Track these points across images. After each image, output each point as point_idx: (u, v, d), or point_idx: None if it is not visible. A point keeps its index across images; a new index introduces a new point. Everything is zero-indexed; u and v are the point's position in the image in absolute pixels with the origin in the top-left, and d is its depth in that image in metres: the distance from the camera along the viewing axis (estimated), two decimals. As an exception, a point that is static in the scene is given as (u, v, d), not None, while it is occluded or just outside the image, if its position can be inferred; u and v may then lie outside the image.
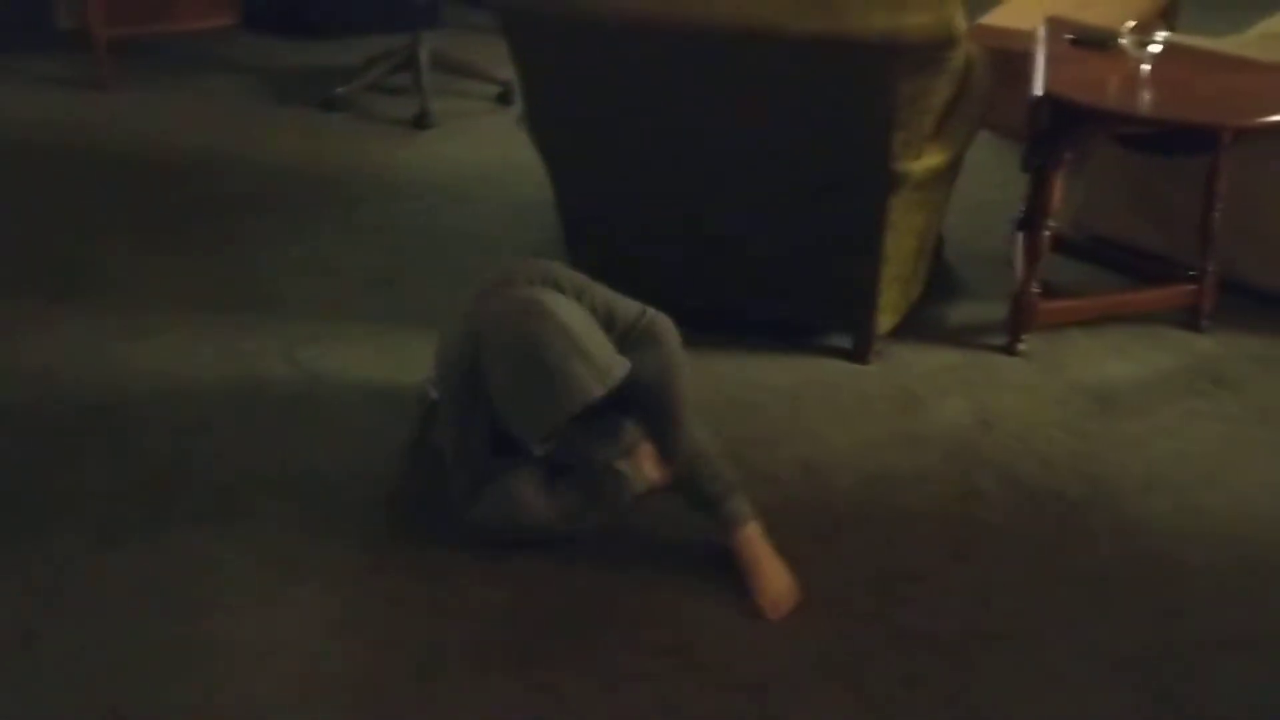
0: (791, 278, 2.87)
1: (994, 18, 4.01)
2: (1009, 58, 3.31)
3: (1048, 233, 2.93)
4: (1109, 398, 2.81)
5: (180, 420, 2.66)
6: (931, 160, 2.66)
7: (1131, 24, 3.05)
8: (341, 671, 2.03)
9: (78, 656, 2.04)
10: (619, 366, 2.12)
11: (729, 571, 2.24)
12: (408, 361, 2.85)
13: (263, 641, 2.08)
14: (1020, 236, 3.12)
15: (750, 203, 2.76)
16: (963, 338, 3.04)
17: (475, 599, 2.19)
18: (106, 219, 3.56)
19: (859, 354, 2.92)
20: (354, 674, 2.03)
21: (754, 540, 2.24)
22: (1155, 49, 2.90)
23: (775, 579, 2.21)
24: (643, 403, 2.26)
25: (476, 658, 2.06)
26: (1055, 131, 2.87)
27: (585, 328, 2.13)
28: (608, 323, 2.24)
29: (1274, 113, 2.72)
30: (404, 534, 2.34)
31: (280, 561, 2.26)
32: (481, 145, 4.13)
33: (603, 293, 2.29)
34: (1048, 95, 2.81)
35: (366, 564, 2.26)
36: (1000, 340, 3.00)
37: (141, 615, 2.13)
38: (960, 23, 2.42)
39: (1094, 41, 3.07)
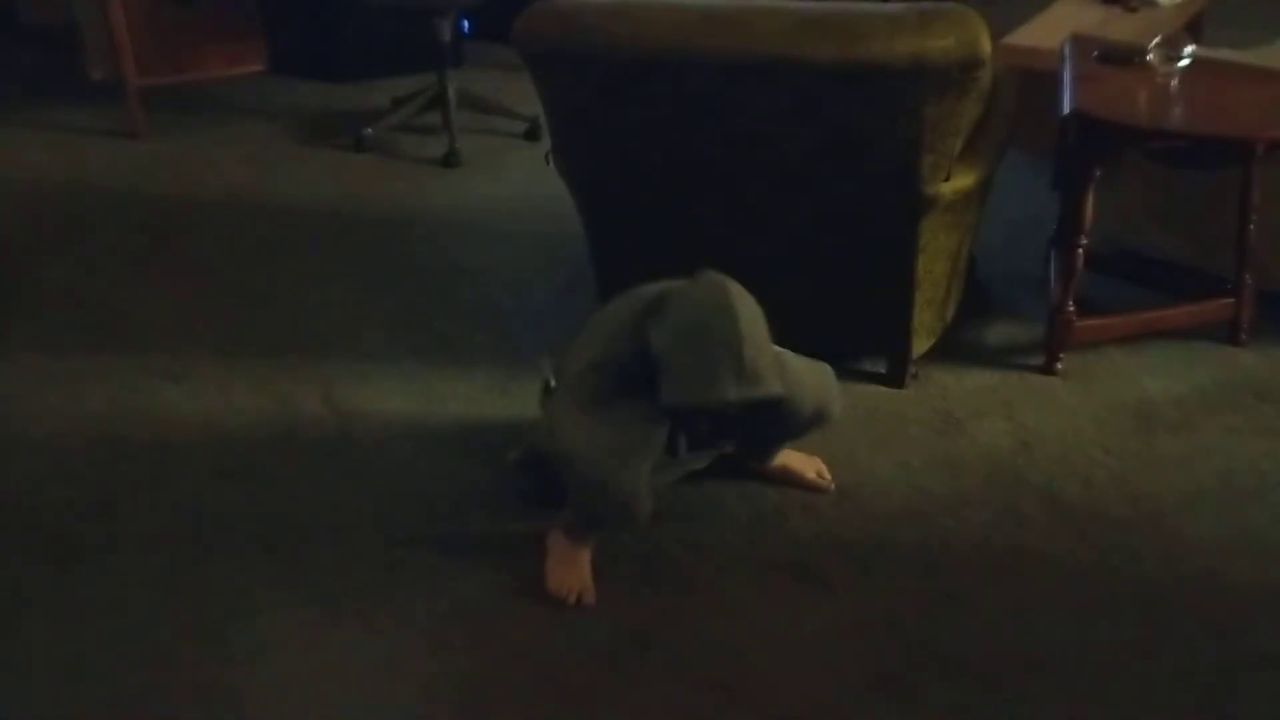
0: (825, 303, 2.86)
1: (1019, 37, 4.00)
2: (1036, 76, 3.30)
3: (1081, 250, 2.91)
4: (1149, 415, 2.78)
5: (218, 461, 2.67)
6: (960, 182, 2.65)
7: (1158, 38, 3.03)
8: (385, 714, 2.03)
9: (121, 693, 2.05)
10: (768, 385, 2.09)
11: (769, 602, 2.22)
12: (441, 399, 2.87)
13: (305, 684, 2.09)
14: (1054, 255, 3.10)
15: (781, 230, 2.76)
16: (999, 358, 3.02)
17: (517, 636, 2.18)
18: (142, 264, 3.59)
19: (894, 378, 2.91)
20: (398, 716, 2.03)
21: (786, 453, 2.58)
22: (1183, 62, 2.88)
23: (810, 461, 2.59)
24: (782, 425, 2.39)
25: (520, 696, 2.06)
26: (1085, 148, 2.85)
27: (758, 333, 2.11)
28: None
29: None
30: (440, 572, 2.34)
31: (320, 603, 2.27)
32: (510, 182, 4.15)
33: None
34: (1076, 112, 2.80)
35: (405, 604, 2.27)
36: (1037, 360, 2.98)
37: (185, 659, 2.14)
38: (985, 44, 2.41)
39: (1121, 57, 3.06)
